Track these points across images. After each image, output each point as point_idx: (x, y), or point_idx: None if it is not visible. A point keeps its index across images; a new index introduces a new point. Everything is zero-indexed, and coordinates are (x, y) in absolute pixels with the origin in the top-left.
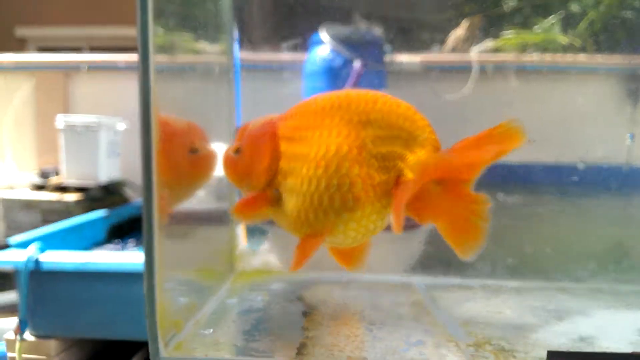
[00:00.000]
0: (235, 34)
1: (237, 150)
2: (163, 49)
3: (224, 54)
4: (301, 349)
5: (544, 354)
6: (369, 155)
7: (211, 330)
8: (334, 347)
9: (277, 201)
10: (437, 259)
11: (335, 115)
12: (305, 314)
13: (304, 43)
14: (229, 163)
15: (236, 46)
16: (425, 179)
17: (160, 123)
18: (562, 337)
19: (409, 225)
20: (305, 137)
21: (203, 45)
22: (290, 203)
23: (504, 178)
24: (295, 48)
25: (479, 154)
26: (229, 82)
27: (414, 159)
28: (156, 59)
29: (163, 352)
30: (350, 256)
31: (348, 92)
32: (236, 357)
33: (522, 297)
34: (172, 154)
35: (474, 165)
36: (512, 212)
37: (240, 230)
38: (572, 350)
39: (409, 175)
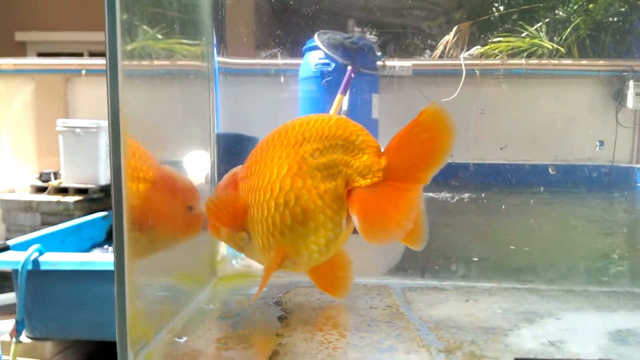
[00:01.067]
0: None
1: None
2: (134, 55)
3: (205, 59)
4: (272, 357)
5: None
6: (311, 167)
7: (185, 338)
8: (306, 355)
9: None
10: (413, 262)
11: (276, 144)
12: (281, 318)
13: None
14: (208, 222)
15: (215, 50)
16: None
17: (168, 177)
18: (532, 342)
19: None
20: (253, 172)
21: (184, 48)
22: (254, 235)
23: (483, 179)
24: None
25: (419, 147)
26: (210, 87)
27: (359, 163)
28: (125, 64)
29: None
30: (332, 285)
31: (291, 121)
32: None
33: (494, 298)
34: (175, 207)
35: (418, 160)
36: (487, 215)
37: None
38: (539, 357)
39: (357, 179)
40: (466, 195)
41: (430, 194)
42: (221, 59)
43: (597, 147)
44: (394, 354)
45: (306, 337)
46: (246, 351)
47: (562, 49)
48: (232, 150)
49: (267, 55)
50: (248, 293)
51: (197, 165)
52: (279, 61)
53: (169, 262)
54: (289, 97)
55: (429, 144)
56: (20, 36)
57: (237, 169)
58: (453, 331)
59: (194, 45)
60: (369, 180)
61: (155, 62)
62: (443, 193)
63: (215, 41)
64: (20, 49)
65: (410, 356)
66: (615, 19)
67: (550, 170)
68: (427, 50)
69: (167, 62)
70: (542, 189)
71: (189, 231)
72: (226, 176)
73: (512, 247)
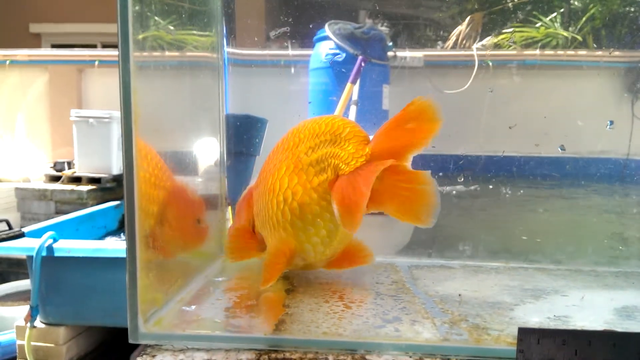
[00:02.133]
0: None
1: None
2: (146, 45)
3: (215, 50)
4: (279, 325)
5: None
6: (306, 165)
7: (194, 307)
8: (312, 324)
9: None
10: (421, 242)
11: (278, 150)
12: (288, 291)
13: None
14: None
15: (224, 41)
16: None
17: (182, 189)
18: (537, 316)
19: None
20: (262, 179)
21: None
22: (266, 236)
23: (497, 169)
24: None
25: (405, 135)
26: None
27: (345, 152)
28: (137, 55)
29: (142, 327)
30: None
31: (294, 127)
32: (213, 333)
33: (501, 276)
34: (186, 218)
35: (403, 147)
36: (500, 201)
37: (230, 214)
38: (544, 327)
39: (343, 167)
40: (474, 187)
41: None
42: (230, 49)
43: (608, 127)
44: (399, 325)
45: (312, 308)
46: (253, 319)
47: (578, 37)
48: (241, 130)
49: (275, 35)
50: (257, 269)
51: (207, 151)
52: (289, 52)
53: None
54: (297, 89)
55: (414, 132)
56: (34, 28)
57: (253, 184)
58: (458, 305)
59: (204, 36)
60: (352, 167)
61: (167, 53)
62: (450, 186)
63: (225, 32)
64: (34, 41)
65: (415, 327)
66: (632, 9)
67: (560, 150)
68: (439, 41)
69: (178, 53)
70: (554, 180)
71: (196, 242)
72: (243, 193)
73: (524, 238)
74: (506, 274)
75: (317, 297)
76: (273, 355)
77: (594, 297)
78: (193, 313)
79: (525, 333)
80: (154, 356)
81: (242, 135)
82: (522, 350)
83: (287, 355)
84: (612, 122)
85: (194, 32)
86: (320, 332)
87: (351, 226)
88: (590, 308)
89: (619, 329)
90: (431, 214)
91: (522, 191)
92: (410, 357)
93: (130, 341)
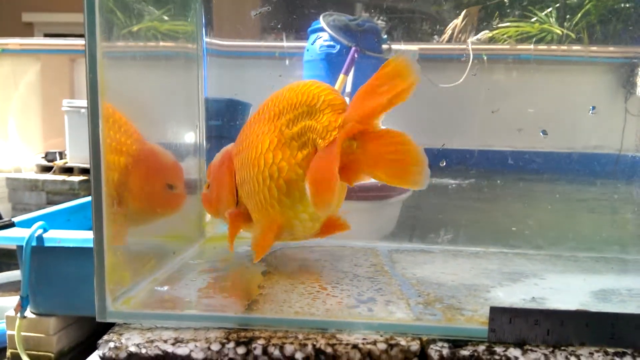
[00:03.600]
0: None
1: (208, 187)
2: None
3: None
4: (252, 305)
5: None
6: (288, 138)
7: (166, 287)
8: (285, 304)
9: (248, 214)
10: (402, 227)
11: (260, 119)
12: (264, 273)
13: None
14: (204, 200)
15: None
16: (343, 137)
17: (151, 154)
18: (513, 297)
19: (381, 196)
20: (243, 148)
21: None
22: (251, 210)
23: (488, 165)
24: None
25: (377, 98)
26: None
27: (319, 125)
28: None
29: (110, 306)
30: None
31: (275, 92)
32: (182, 312)
33: (480, 260)
34: (153, 184)
35: (376, 109)
36: (485, 191)
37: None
38: (515, 306)
39: (320, 142)
40: (469, 181)
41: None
42: (210, 40)
43: (590, 112)
44: (372, 305)
45: (287, 288)
46: (226, 299)
47: (572, 34)
48: (223, 114)
49: (256, 14)
50: (234, 252)
51: (185, 135)
52: (284, 44)
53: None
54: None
55: (388, 94)
56: (27, 17)
57: (229, 146)
58: (434, 287)
59: (183, 25)
60: (327, 141)
61: (144, 43)
62: (445, 179)
63: (204, 22)
64: (27, 30)
65: (389, 307)
66: (627, 5)
67: (541, 134)
68: (435, 35)
69: (155, 43)
70: (546, 175)
71: (167, 209)
72: (219, 154)
73: (513, 229)
74: (485, 258)
75: (294, 278)
76: (242, 334)
77: (571, 281)
78: (165, 293)
79: (497, 312)
80: (121, 334)
81: (224, 119)
82: (493, 329)
83: (257, 334)
84: (594, 108)
85: (173, 21)
86: (293, 311)
87: (322, 207)
88: (567, 291)
89: (593, 310)
90: (422, 173)
91: (499, 182)
92: (382, 336)
93: (98, 319)
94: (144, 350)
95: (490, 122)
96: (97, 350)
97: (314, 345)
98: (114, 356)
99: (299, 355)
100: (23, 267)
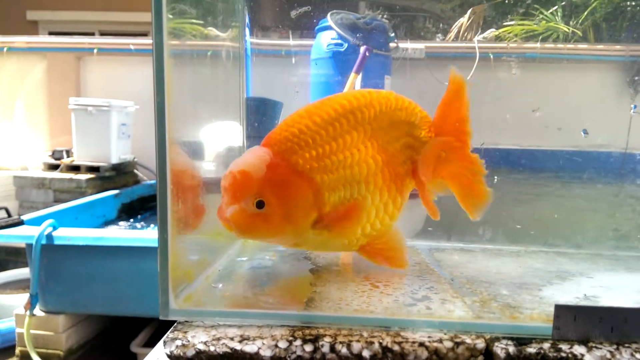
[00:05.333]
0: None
1: (260, 204)
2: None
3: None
4: (309, 303)
5: (551, 310)
6: (391, 156)
7: (221, 284)
8: (341, 301)
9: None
10: (439, 226)
11: (350, 131)
12: (312, 271)
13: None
14: (255, 221)
15: (247, 31)
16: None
17: (188, 165)
18: (566, 296)
19: (413, 195)
20: (336, 161)
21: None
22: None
23: (493, 164)
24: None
25: (457, 113)
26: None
27: (417, 143)
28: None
29: (173, 303)
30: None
31: (342, 100)
32: (246, 309)
33: (523, 259)
34: (193, 198)
35: (461, 124)
36: (518, 190)
37: None
38: (581, 304)
39: (415, 157)
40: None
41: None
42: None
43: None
44: (429, 303)
45: (339, 287)
46: (283, 297)
47: (579, 32)
48: (258, 113)
49: (297, 13)
50: (276, 249)
51: (231, 135)
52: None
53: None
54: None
55: (460, 109)
56: (31, 15)
57: (261, 152)
58: (485, 285)
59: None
60: (422, 155)
61: (195, 42)
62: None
63: (247, 23)
64: (31, 28)
65: (446, 305)
66: (633, 3)
67: (583, 134)
68: (441, 33)
69: (204, 43)
70: (554, 174)
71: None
72: (252, 164)
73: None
74: (528, 257)
75: (342, 276)
76: (307, 332)
77: (619, 280)
78: (221, 290)
79: (562, 310)
80: (185, 332)
81: (260, 119)
82: (558, 327)
83: (321, 331)
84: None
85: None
86: (352, 309)
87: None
88: (618, 289)
89: None
90: (483, 209)
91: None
92: (445, 334)
93: (161, 318)
94: (212, 348)
95: (525, 121)
96: (163, 348)
97: (380, 343)
98: (181, 354)
99: (366, 352)
100: (32, 265)
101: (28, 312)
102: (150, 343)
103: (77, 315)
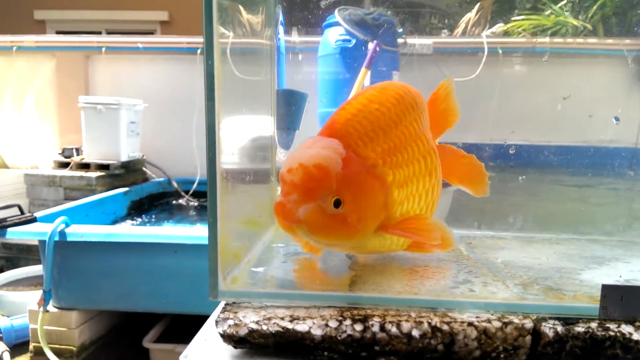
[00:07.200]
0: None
1: (337, 203)
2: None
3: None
4: (352, 286)
5: (593, 292)
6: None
7: (262, 268)
8: (384, 284)
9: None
10: (469, 214)
11: (412, 122)
12: (349, 256)
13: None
14: (333, 222)
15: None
16: None
17: None
18: (606, 279)
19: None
20: (405, 155)
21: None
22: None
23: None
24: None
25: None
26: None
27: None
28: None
29: (222, 285)
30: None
31: (396, 88)
32: (293, 291)
33: (556, 246)
34: None
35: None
36: (547, 182)
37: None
38: (629, 284)
39: None
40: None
41: None
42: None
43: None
44: (471, 286)
45: (378, 270)
46: (325, 280)
47: (588, 26)
48: (285, 104)
49: (326, 4)
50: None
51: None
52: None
53: (236, 208)
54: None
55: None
56: (39, 14)
57: (332, 142)
58: (524, 270)
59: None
60: None
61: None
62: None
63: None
64: (39, 27)
65: (488, 288)
66: None
67: (614, 121)
68: (448, 28)
69: (245, 40)
70: (563, 169)
71: None
72: (323, 158)
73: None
74: (561, 244)
75: (380, 262)
76: (355, 312)
77: None
78: (264, 273)
79: (609, 290)
80: (235, 312)
81: (288, 110)
82: (605, 307)
83: (369, 312)
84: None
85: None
86: (396, 291)
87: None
88: None
89: None
90: (486, 184)
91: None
92: (492, 314)
93: (210, 299)
94: (264, 327)
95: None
96: (214, 327)
97: (429, 323)
98: (234, 333)
99: (415, 332)
100: (45, 262)
101: (41, 309)
102: (162, 339)
103: (90, 311)
